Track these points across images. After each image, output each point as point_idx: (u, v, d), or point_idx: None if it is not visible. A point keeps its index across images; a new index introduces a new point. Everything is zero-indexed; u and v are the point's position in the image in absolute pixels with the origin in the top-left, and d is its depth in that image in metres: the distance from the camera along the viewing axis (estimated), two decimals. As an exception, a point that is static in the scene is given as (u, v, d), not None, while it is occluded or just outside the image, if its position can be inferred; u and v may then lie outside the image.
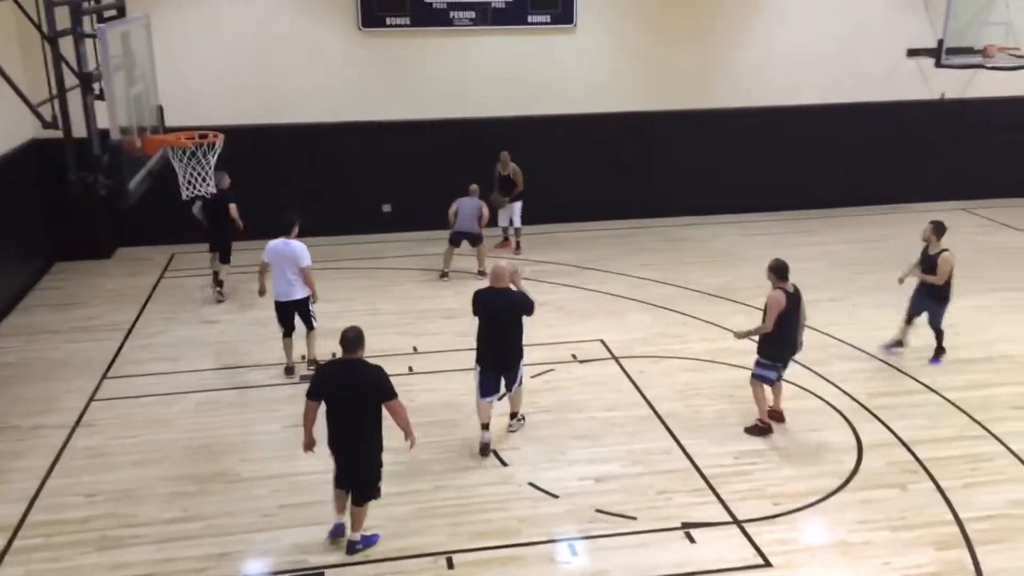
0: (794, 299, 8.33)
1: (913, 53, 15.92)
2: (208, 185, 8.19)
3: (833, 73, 15.85)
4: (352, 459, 6.86)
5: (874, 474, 7.99)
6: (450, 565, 6.80)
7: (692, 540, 7.06)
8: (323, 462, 8.16)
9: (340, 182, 14.67)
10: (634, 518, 7.34)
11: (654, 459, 8.24)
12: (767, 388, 8.71)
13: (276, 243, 9.57)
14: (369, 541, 7.04)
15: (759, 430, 8.61)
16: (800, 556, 6.89)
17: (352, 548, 6.95)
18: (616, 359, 10.42)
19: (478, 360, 8.40)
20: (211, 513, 7.48)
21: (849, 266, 13.62)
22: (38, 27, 7.14)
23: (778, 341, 8.37)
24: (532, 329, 11.08)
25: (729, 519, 7.33)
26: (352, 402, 6.70)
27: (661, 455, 8.31)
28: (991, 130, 16.46)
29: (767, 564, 6.78)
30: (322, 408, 6.85)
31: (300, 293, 9.71)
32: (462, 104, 14.87)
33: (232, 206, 11.77)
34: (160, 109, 8.98)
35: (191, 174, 8.11)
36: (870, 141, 16.28)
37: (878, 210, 16.49)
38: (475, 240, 13.16)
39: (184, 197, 8.31)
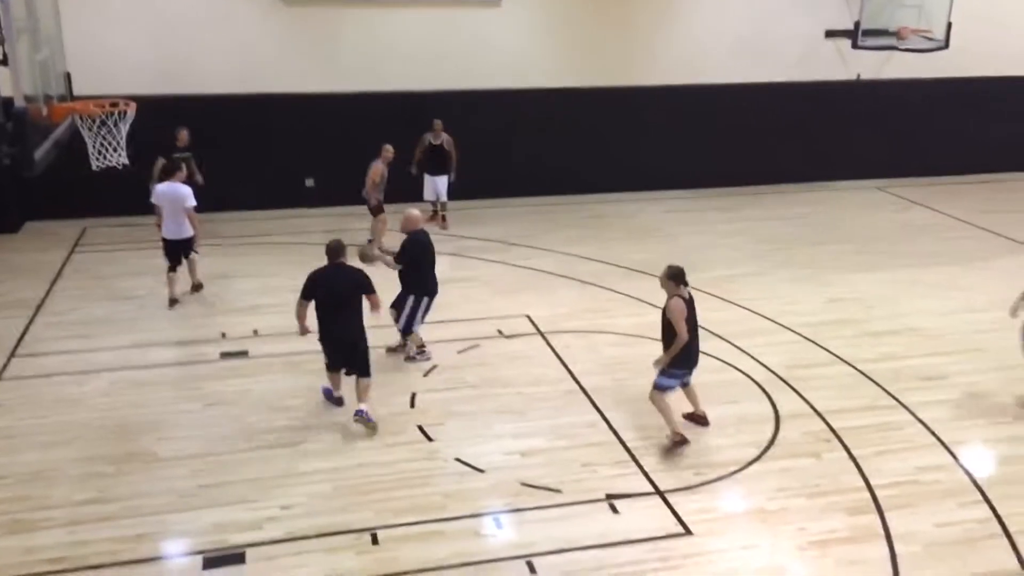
0: (691, 305, 7.98)
1: (831, 34, 16.29)
2: (120, 156, 7.89)
3: (754, 53, 16.12)
4: (346, 342, 8.30)
5: (791, 444, 8.22)
6: (375, 541, 6.76)
7: (616, 511, 7.16)
8: (242, 441, 8.06)
9: (262, 156, 14.34)
10: (559, 491, 7.41)
11: (579, 433, 8.32)
12: (679, 394, 8.29)
13: (163, 186, 10.69)
14: (370, 419, 8.17)
15: (677, 445, 7.93)
16: (720, 524, 7.05)
17: (359, 415, 8.20)
18: (542, 334, 10.47)
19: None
20: (127, 494, 7.27)
21: (767, 243, 13.93)
22: (-67, -14, 6.73)
23: (684, 349, 7.87)
24: (457, 304, 11.13)
25: (651, 490, 7.46)
26: (343, 296, 8.16)
27: (586, 429, 8.40)
28: (905, 110, 17.00)
29: (688, 532, 6.92)
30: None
31: (188, 232, 10.78)
32: (385, 77, 14.67)
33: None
34: (68, 76, 8.59)
35: (101, 143, 7.79)
36: (790, 121, 16.64)
37: (797, 187, 16.91)
38: (372, 210, 12.71)
39: (94, 167, 7.98)
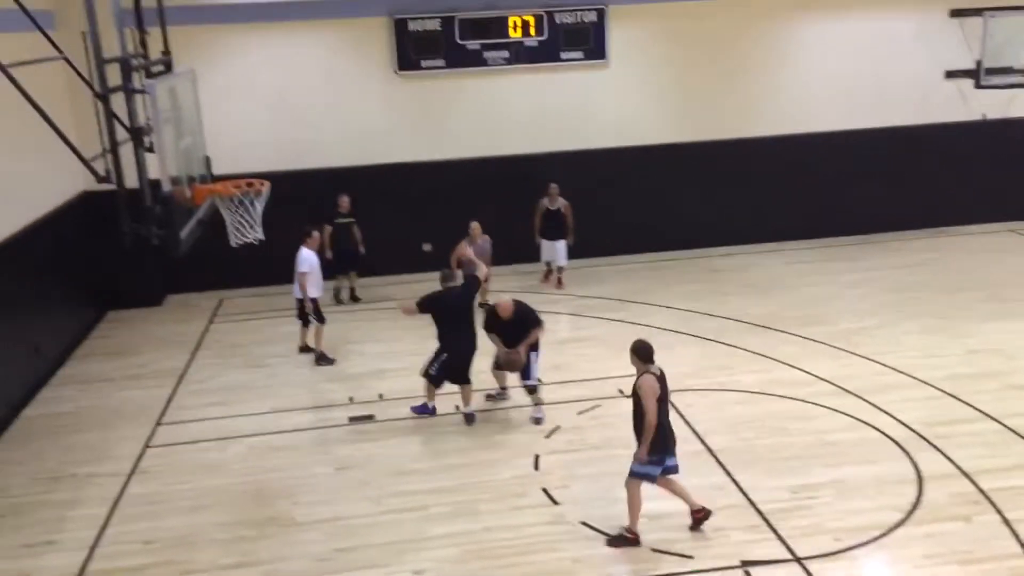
0: (664, 382, 7.40)
1: (952, 75, 15.78)
2: (256, 232, 8.33)
3: (868, 98, 15.74)
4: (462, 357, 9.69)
5: (937, 507, 7.80)
6: (506, 608, 6.75)
7: (752, 578, 6.95)
8: (372, 504, 8.22)
9: (381, 223, 14.81)
10: (691, 557, 7.24)
11: (708, 495, 8.10)
12: (670, 489, 7.66)
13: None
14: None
15: (625, 541, 7.45)
16: (864, 593, 6.74)
17: (469, 419, 9.77)
18: (664, 393, 10.33)
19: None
20: (268, 558, 7.52)
21: (894, 292, 13.41)
22: (90, 85, 7.34)
23: (658, 432, 7.27)
24: (576, 364, 11.14)
25: (789, 556, 7.20)
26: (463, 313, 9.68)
27: (714, 491, 8.20)
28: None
29: (830, 602, 6.64)
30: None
31: (298, 293, 11.62)
32: (497, 142, 15.01)
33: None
34: (207, 159, 9.17)
35: (239, 221, 8.24)
36: (911, 165, 16.10)
37: (921, 234, 16.27)
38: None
39: (233, 244, 8.43)
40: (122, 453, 9.44)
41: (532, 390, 9.85)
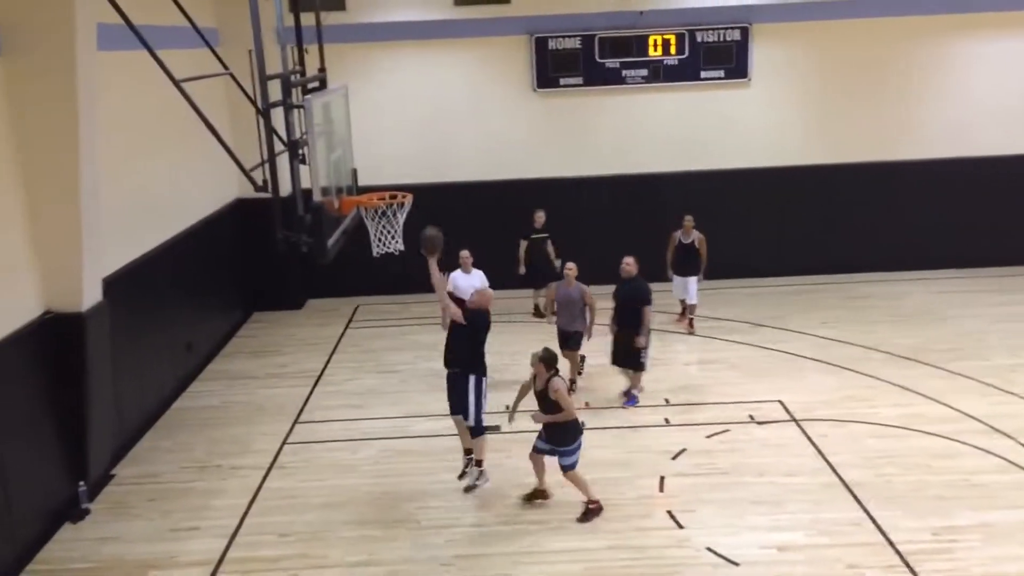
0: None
1: None
2: (397, 243, 8.60)
3: (1030, 121, 14.86)
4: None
5: (1097, 559, 7.24)
6: (627, 628, 6.69)
7: (886, 620, 6.63)
8: (495, 514, 8.31)
9: (515, 237, 14.99)
10: (822, 593, 6.98)
11: (842, 530, 7.81)
12: (542, 463, 8.46)
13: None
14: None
15: (592, 512, 8.24)
16: (1012, 647, 6.31)
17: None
18: (797, 421, 10.01)
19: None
20: (392, 559, 7.72)
21: (1058, 328, 12.54)
22: (252, 101, 7.81)
23: (574, 423, 8.15)
24: (706, 387, 10.94)
25: (928, 600, 6.84)
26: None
27: (850, 527, 7.87)
28: None
29: (973, 653, 6.25)
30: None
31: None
32: (634, 160, 14.99)
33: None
34: (355, 171, 9.56)
35: (381, 232, 8.54)
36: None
37: (1089, 266, 15.17)
38: (572, 341, 10.86)
39: (375, 254, 8.74)
40: (262, 448, 9.92)
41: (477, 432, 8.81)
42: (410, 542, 7.98)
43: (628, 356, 10.52)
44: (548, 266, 13.63)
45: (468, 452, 8.77)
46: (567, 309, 10.75)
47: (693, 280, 12.93)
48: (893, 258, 15.32)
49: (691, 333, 12.97)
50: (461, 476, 8.83)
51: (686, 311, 13.25)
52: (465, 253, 11.27)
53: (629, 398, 10.70)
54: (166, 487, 9.16)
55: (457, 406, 8.59)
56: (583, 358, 11.28)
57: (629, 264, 10.59)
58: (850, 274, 15.22)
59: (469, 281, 10.74)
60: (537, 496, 8.54)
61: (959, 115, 14.91)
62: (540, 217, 13.60)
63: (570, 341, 10.78)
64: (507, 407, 9.31)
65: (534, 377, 8.25)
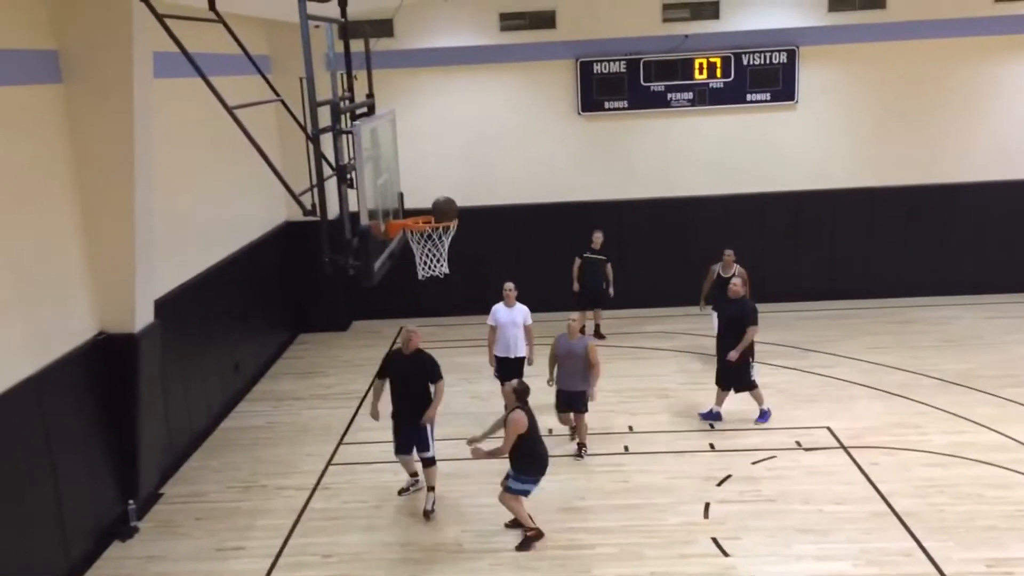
0: (532, 417, 8.21)
1: None
2: (442, 266, 8.66)
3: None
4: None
5: None
6: (671, 658, 6.61)
7: (939, 655, 6.46)
8: (541, 540, 8.27)
9: (560, 262, 15.02)
10: (872, 625, 6.83)
11: (892, 561, 7.64)
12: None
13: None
14: None
15: (531, 540, 8.25)
16: None
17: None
18: (845, 448, 9.85)
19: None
20: (435, 582, 7.74)
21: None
22: (302, 127, 7.96)
23: (531, 457, 8.17)
24: (751, 412, 10.80)
25: (982, 635, 6.65)
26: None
27: (900, 557, 7.70)
28: None
29: None
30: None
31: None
32: (678, 182, 14.95)
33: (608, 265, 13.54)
34: (401, 195, 9.67)
35: (427, 255, 8.61)
36: None
37: None
38: (577, 403, 9.93)
39: (420, 277, 8.82)
40: (307, 468, 10.01)
41: (428, 463, 9.06)
42: (453, 565, 7.98)
43: (737, 377, 10.46)
44: (600, 288, 13.60)
45: (414, 475, 9.34)
46: (568, 365, 9.79)
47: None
48: (941, 282, 15.06)
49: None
50: (401, 492, 9.34)
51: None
52: (509, 285, 10.61)
53: (761, 415, 10.58)
54: (213, 506, 9.28)
55: (419, 446, 8.99)
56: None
57: (736, 285, 10.53)
58: (898, 298, 14.99)
59: (511, 316, 10.42)
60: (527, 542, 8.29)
61: (1009, 137, 14.66)
62: (598, 238, 13.54)
63: (576, 404, 9.90)
64: (550, 431, 9.32)
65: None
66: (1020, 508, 8.38)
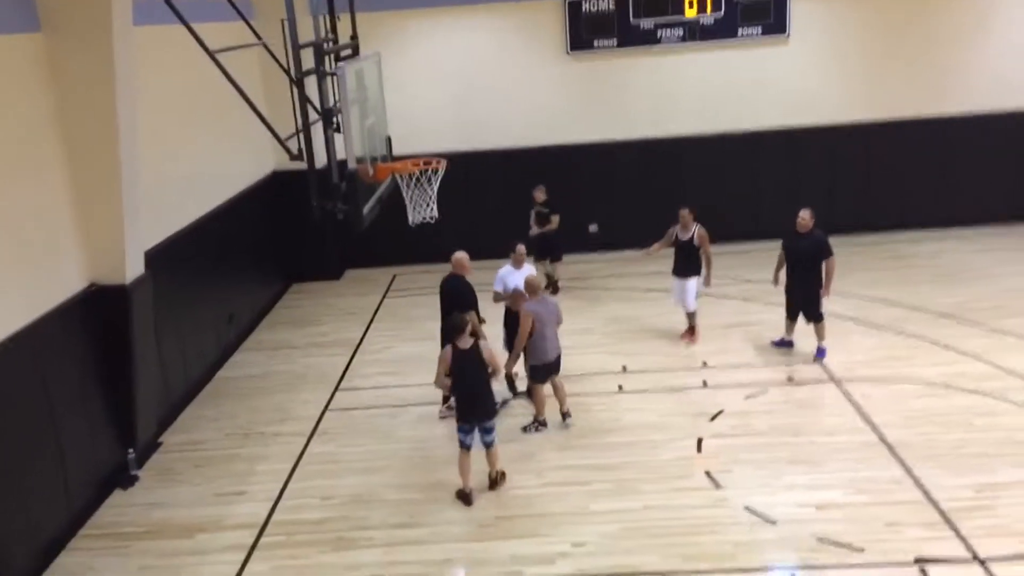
0: (462, 355, 7.84)
1: None
2: (431, 210, 8.64)
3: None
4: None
5: None
6: (665, 586, 6.75)
7: (927, 577, 6.61)
8: (535, 477, 8.40)
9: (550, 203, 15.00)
10: (861, 549, 6.96)
11: (882, 489, 7.77)
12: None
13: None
14: None
15: (463, 498, 8.08)
16: (1055, 602, 6.27)
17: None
18: (837, 382, 9.94)
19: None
20: (433, 521, 7.85)
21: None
22: (286, 70, 7.86)
23: (462, 399, 7.97)
24: (743, 348, 10.89)
25: (969, 556, 6.79)
26: None
27: (890, 485, 7.83)
28: None
29: (1016, 608, 6.22)
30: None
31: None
32: (668, 122, 14.83)
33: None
34: (389, 139, 9.59)
35: (416, 200, 8.58)
36: None
37: None
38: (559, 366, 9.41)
39: (411, 222, 8.80)
40: (304, 415, 10.10)
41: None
42: (451, 504, 8.09)
43: (808, 307, 10.45)
44: (551, 240, 13.20)
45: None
46: (550, 331, 9.11)
47: (692, 283, 11.03)
48: (935, 215, 15.06)
49: (692, 343, 11.25)
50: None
51: (690, 323, 11.38)
52: (521, 248, 10.14)
53: (819, 351, 10.55)
54: (211, 454, 9.38)
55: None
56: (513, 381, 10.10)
57: (805, 218, 10.45)
58: (890, 232, 14.99)
59: (517, 278, 9.71)
60: (462, 498, 8.13)
61: (1003, 68, 14.52)
62: (539, 195, 13.07)
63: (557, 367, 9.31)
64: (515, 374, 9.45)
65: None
66: (1009, 435, 8.49)
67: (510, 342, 9.67)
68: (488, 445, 8.17)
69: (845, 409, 9.31)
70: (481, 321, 9.37)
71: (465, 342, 7.90)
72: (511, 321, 9.63)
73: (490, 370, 7.97)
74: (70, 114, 8.10)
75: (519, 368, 9.83)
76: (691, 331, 11.37)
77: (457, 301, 9.09)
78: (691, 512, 7.68)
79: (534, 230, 13.04)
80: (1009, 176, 14.86)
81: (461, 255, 9.47)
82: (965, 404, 9.17)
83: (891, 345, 10.84)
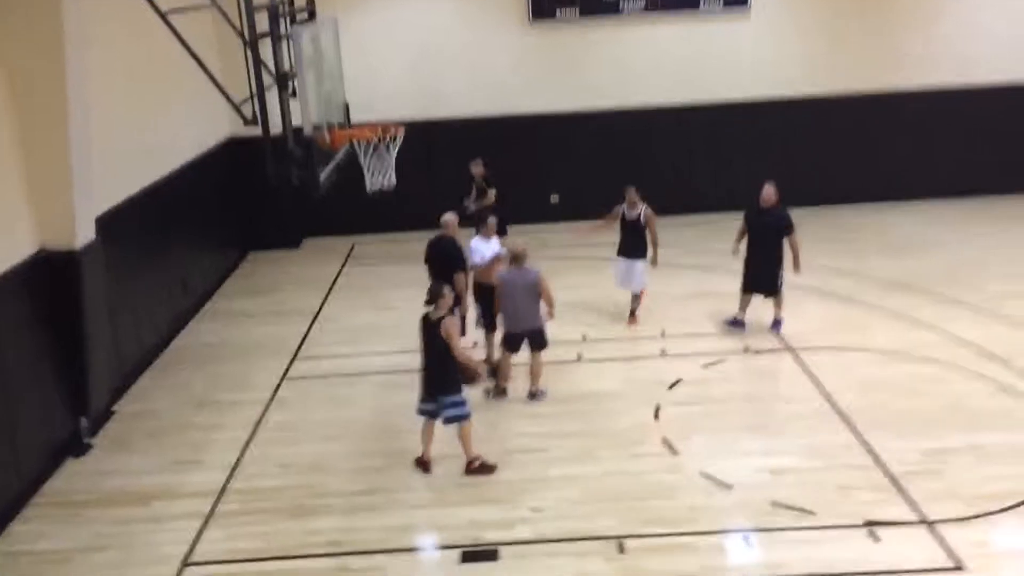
0: (426, 328, 7.77)
1: None
2: (389, 178, 8.56)
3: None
4: None
5: (1084, 479, 7.36)
6: (621, 549, 6.83)
7: (876, 538, 6.76)
8: (496, 444, 8.41)
9: (511, 174, 14.91)
10: (813, 512, 7.11)
11: (834, 453, 7.93)
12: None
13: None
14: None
15: (421, 465, 8.05)
16: (999, 561, 6.46)
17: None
18: (791, 350, 10.10)
19: None
20: (393, 487, 7.86)
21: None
22: (240, 33, 7.68)
23: (424, 375, 7.89)
24: (701, 319, 10.99)
25: (916, 519, 6.97)
26: None
27: (841, 450, 8.00)
28: None
29: (959, 567, 6.39)
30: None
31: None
32: (630, 93, 14.82)
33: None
34: (346, 106, 9.46)
35: (374, 167, 8.49)
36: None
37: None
38: (539, 342, 9.25)
39: (368, 190, 8.70)
40: (261, 383, 10.01)
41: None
42: (411, 471, 8.09)
43: (767, 281, 10.42)
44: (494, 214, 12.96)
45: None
46: (516, 299, 8.98)
47: (639, 265, 10.78)
48: (890, 188, 15.30)
49: (632, 325, 11.04)
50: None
51: (632, 307, 11.13)
52: (492, 220, 10.10)
53: (775, 323, 10.59)
54: (167, 423, 9.27)
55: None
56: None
57: (769, 194, 10.39)
58: (843, 205, 15.19)
59: (486, 247, 9.82)
60: (420, 465, 8.09)
61: (962, 44, 14.71)
62: (477, 169, 12.79)
63: (538, 340, 9.21)
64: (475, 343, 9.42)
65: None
66: (958, 401, 8.71)
67: (484, 317, 9.73)
68: (446, 421, 7.95)
69: (800, 378, 9.47)
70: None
71: (436, 314, 7.77)
72: (482, 296, 9.64)
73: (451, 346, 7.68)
74: (18, 77, 7.84)
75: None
76: (632, 314, 11.11)
77: (447, 263, 9.23)
78: (649, 478, 7.78)
79: (469, 206, 12.60)
80: (963, 149, 15.10)
81: (451, 216, 9.62)
82: (916, 372, 9.38)
83: (845, 314, 11.03)
